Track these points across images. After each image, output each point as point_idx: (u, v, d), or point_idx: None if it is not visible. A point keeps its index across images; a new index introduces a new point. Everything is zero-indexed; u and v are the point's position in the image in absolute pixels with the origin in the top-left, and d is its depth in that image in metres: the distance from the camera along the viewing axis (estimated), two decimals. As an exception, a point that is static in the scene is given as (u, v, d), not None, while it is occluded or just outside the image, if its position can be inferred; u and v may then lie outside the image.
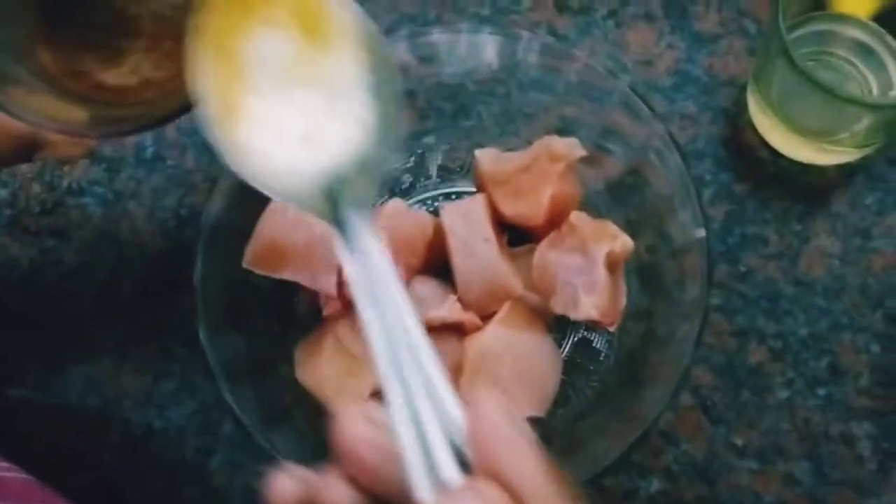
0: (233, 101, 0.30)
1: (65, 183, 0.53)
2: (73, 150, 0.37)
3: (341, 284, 0.45)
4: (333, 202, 0.30)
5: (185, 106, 0.31)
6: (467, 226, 0.47)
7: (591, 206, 0.49)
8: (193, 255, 0.44)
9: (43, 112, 0.30)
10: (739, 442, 0.49)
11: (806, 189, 0.52)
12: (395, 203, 0.47)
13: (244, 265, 0.45)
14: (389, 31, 0.54)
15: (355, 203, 0.30)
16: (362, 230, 0.29)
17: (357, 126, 0.31)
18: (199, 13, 0.30)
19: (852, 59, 0.50)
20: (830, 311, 0.51)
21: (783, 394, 0.50)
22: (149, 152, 0.53)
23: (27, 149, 0.34)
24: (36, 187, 0.53)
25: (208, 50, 0.30)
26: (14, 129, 0.30)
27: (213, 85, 0.30)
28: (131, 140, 0.53)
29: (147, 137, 0.53)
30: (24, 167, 0.53)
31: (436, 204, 0.51)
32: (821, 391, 0.50)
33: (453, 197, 0.51)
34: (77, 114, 0.32)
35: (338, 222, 0.30)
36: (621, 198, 0.49)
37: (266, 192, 0.30)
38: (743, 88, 0.53)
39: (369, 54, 0.31)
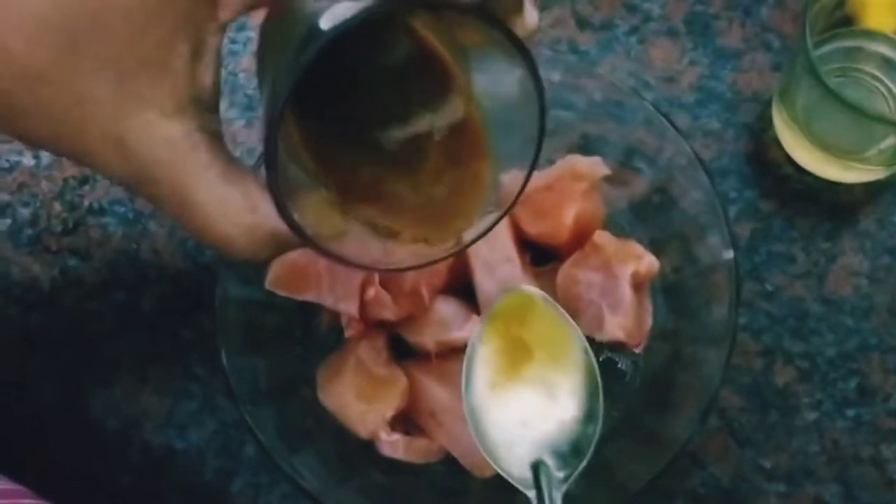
0: (500, 382, 0.42)
1: (86, 202, 0.53)
2: None
3: (363, 306, 0.45)
4: (535, 474, 0.39)
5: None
6: (489, 245, 0.46)
7: (616, 226, 0.48)
8: (214, 274, 0.44)
9: (310, 222, 0.30)
10: (767, 464, 0.49)
11: (833, 207, 0.51)
12: (418, 223, 0.47)
13: (267, 286, 0.45)
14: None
15: (552, 477, 0.39)
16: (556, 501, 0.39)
17: (561, 424, 0.41)
18: (491, 320, 0.42)
19: (879, 75, 0.50)
20: (859, 331, 0.50)
21: (811, 415, 0.49)
22: (169, 171, 0.53)
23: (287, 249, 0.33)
24: (57, 206, 0.53)
25: (493, 345, 0.42)
26: (288, 238, 0.30)
27: (494, 367, 0.42)
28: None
29: (167, 156, 0.53)
30: (44, 186, 0.53)
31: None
32: (850, 412, 0.49)
33: (475, 216, 0.51)
34: (337, 222, 0.32)
35: (538, 491, 0.39)
36: (646, 217, 0.48)
37: (482, 450, 0.40)
38: (767, 104, 0.53)
39: (588, 377, 0.42)
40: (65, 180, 0.53)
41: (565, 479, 0.39)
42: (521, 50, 0.28)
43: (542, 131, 0.31)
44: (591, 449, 0.40)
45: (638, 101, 0.45)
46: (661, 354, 0.47)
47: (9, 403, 0.51)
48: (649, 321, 0.47)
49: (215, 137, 0.29)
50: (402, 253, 0.33)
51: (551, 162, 0.47)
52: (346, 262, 0.31)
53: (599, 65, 0.54)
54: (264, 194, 0.29)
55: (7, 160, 0.54)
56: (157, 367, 0.51)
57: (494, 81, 0.31)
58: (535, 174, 0.46)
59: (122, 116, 0.27)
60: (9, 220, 0.53)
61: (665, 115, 0.45)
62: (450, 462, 0.46)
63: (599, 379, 0.41)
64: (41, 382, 0.51)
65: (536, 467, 0.40)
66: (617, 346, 0.48)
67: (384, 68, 0.33)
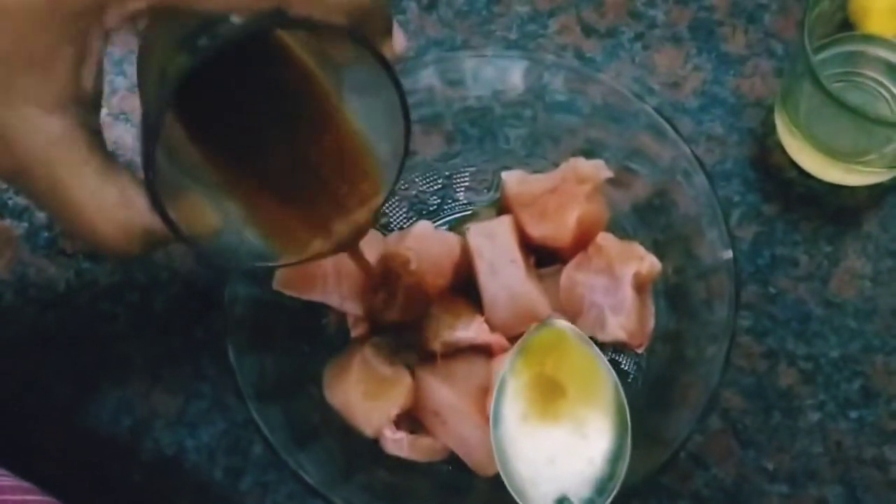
0: (531, 416, 0.42)
1: (100, 206, 0.54)
2: None
3: (369, 306, 0.46)
4: None
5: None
6: (494, 247, 0.47)
7: (618, 228, 0.49)
8: (225, 276, 0.45)
9: (185, 219, 0.31)
10: (770, 466, 0.49)
11: (836, 210, 0.52)
12: (423, 224, 0.48)
13: (274, 287, 0.46)
14: (417, 55, 0.54)
15: None
16: None
17: (589, 462, 0.41)
18: (522, 353, 0.43)
19: (881, 79, 0.50)
20: (862, 333, 0.50)
21: (814, 416, 0.49)
22: (182, 176, 0.54)
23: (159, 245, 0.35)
24: (72, 210, 0.54)
25: (524, 378, 0.43)
26: (162, 234, 0.32)
27: (526, 400, 0.42)
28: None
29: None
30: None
31: (463, 226, 0.52)
32: (853, 414, 0.49)
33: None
34: (212, 219, 0.34)
35: None
36: (648, 219, 0.49)
37: (507, 484, 0.40)
38: (770, 109, 0.53)
39: (618, 416, 0.42)
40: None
41: None
42: (388, 70, 0.31)
43: (406, 149, 0.33)
44: (617, 488, 0.40)
45: (640, 105, 0.46)
46: (663, 355, 0.47)
47: (23, 401, 0.52)
48: (652, 322, 0.47)
49: (94, 135, 0.30)
50: (277, 251, 0.35)
51: (555, 165, 0.48)
52: (217, 259, 0.33)
53: (605, 71, 0.54)
54: (140, 191, 0.30)
55: (25, 165, 0.55)
56: (169, 367, 0.52)
57: (365, 98, 0.34)
58: (540, 177, 0.48)
59: (3, 111, 0.28)
60: (26, 224, 0.54)
61: (667, 119, 0.46)
62: (454, 461, 0.46)
63: (629, 418, 0.41)
64: (55, 381, 0.52)
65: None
66: (620, 348, 0.48)
67: (267, 93, 0.35)
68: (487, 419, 0.45)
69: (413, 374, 0.46)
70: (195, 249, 0.31)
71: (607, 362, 0.42)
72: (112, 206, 0.30)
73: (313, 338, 0.49)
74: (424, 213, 0.52)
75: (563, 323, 0.44)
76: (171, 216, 0.30)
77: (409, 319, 0.47)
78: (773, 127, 0.52)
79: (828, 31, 0.49)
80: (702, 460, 0.49)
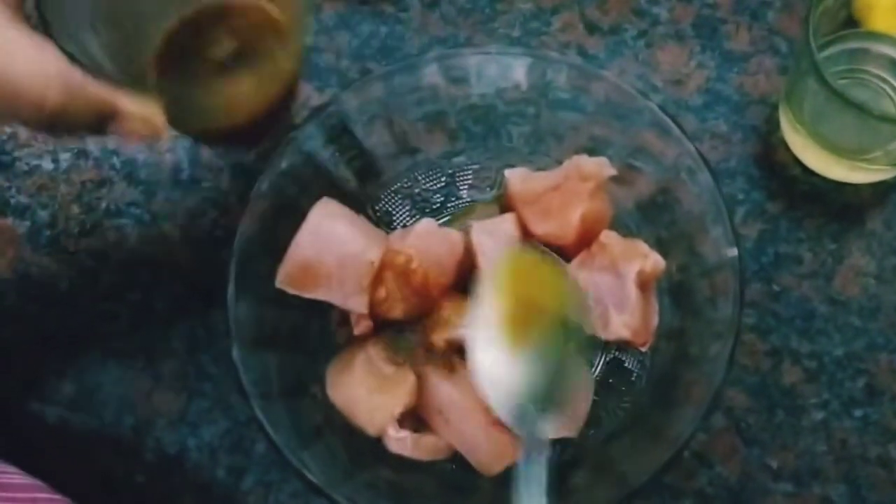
0: (510, 334, 0.41)
1: (103, 204, 0.54)
2: (142, 127, 0.39)
3: (372, 304, 0.45)
4: (523, 416, 0.41)
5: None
6: (497, 244, 0.47)
7: (622, 225, 0.49)
8: (227, 275, 0.45)
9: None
10: (774, 464, 0.49)
11: (840, 207, 0.52)
12: (426, 222, 0.48)
13: (277, 285, 0.45)
14: (420, 53, 0.54)
15: (535, 423, 0.40)
16: (541, 444, 0.40)
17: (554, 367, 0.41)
18: (500, 276, 0.42)
19: (886, 76, 0.50)
20: (866, 331, 0.50)
21: (818, 415, 0.49)
22: (185, 174, 0.54)
23: (102, 117, 0.36)
24: (75, 209, 0.54)
25: (505, 297, 0.42)
26: (93, 95, 0.33)
27: (505, 318, 0.42)
28: (168, 162, 0.54)
29: (183, 159, 0.54)
30: (63, 189, 0.54)
31: (462, 218, 0.52)
32: (857, 412, 0.49)
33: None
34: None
35: (523, 434, 0.40)
36: (652, 216, 0.49)
37: (482, 384, 0.41)
38: (774, 107, 0.53)
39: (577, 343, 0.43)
40: (83, 183, 0.55)
41: (546, 426, 0.41)
42: None
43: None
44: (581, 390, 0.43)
45: (643, 103, 0.46)
46: (667, 353, 0.47)
47: (25, 401, 0.52)
48: (655, 320, 0.47)
49: (7, 4, 0.32)
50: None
51: (559, 163, 0.48)
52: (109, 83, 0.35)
53: (608, 68, 0.54)
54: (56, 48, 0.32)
55: (27, 164, 0.55)
56: (171, 366, 0.52)
57: None
58: (543, 174, 0.48)
59: None
60: (28, 223, 0.54)
61: (671, 116, 0.45)
62: (458, 459, 0.46)
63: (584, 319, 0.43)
64: (57, 380, 0.52)
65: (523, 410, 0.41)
66: (624, 346, 0.48)
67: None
68: (491, 417, 0.45)
69: (416, 372, 0.46)
70: (117, 84, 0.34)
71: (566, 271, 0.44)
72: (22, 43, 0.31)
73: (316, 336, 0.49)
74: (427, 210, 0.52)
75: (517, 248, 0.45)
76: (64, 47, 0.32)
77: (412, 317, 0.47)
78: (777, 124, 0.52)
79: (832, 28, 0.48)
80: (706, 458, 0.49)
